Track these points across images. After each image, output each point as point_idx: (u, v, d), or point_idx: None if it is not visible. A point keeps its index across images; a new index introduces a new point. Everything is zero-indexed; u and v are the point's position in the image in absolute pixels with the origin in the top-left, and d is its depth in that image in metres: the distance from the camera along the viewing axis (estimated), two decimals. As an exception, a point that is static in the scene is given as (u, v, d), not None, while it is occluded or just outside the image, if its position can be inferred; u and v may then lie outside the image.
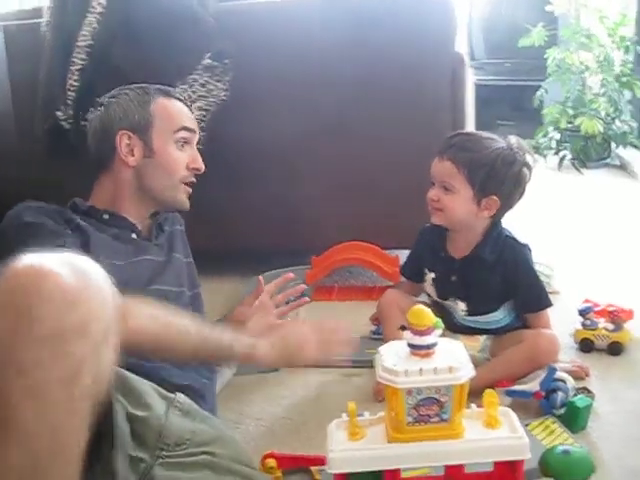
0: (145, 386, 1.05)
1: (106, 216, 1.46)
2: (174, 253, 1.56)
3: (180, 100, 1.59)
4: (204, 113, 2.15)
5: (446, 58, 2.09)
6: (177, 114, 1.54)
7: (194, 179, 1.57)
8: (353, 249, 2.16)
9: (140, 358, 1.13)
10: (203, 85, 2.15)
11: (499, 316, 1.65)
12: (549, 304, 1.64)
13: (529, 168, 1.59)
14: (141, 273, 1.43)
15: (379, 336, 1.79)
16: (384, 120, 2.15)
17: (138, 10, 2.10)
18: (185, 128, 1.53)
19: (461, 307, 1.65)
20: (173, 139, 1.51)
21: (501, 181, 1.55)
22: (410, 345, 1.01)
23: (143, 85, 1.56)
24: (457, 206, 1.57)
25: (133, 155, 1.49)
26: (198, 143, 2.11)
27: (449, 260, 1.66)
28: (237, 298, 2.12)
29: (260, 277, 1.65)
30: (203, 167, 1.58)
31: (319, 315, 2.06)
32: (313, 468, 1.25)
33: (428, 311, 1.00)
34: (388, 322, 1.70)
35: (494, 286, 1.62)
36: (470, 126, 2.34)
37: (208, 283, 2.20)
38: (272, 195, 2.26)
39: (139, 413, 0.99)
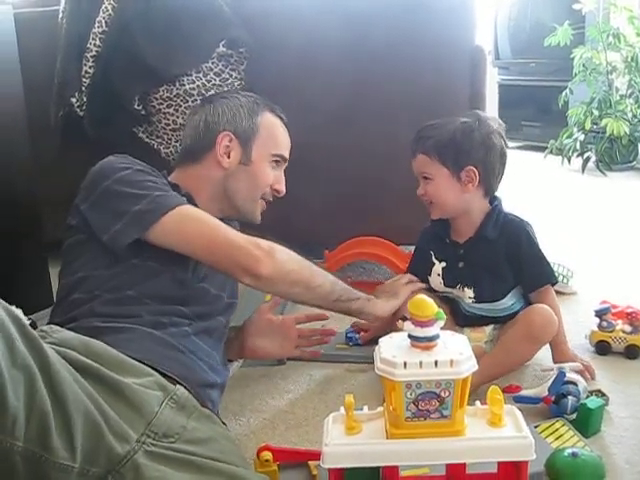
0: (145, 375, 1.06)
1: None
2: None
3: (282, 119, 1.59)
4: (218, 103, 2.13)
5: (465, 51, 2.03)
6: (282, 141, 1.57)
7: (271, 199, 1.59)
8: (366, 244, 2.12)
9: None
10: (218, 74, 2.13)
11: (508, 303, 1.62)
12: (554, 280, 1.63)
13: (496, 135, 1.59)
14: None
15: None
16: (399, 114, 2.10)
17: (154, -3, 2.09)
18: (283, 157, 1.57)
19: (468, 294, 1.62)
20: (269, 158, 1.54)
21: (467, 150, 1.57)
22: (410, 337, 0.96)
23: (252, 95, 1.59)
24: (441, 190, 1.60)
25: (229, 157, 1.50)
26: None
27: (454, 245, 1.66)
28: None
29: None
30: (284, 191, 1.59)
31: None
32: (310, 463, 1.22)
33: (430, 301, 0.95)
34: None
35: (500, 266, 1.60)
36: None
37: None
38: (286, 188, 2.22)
39: (133, 398, 1.00)
